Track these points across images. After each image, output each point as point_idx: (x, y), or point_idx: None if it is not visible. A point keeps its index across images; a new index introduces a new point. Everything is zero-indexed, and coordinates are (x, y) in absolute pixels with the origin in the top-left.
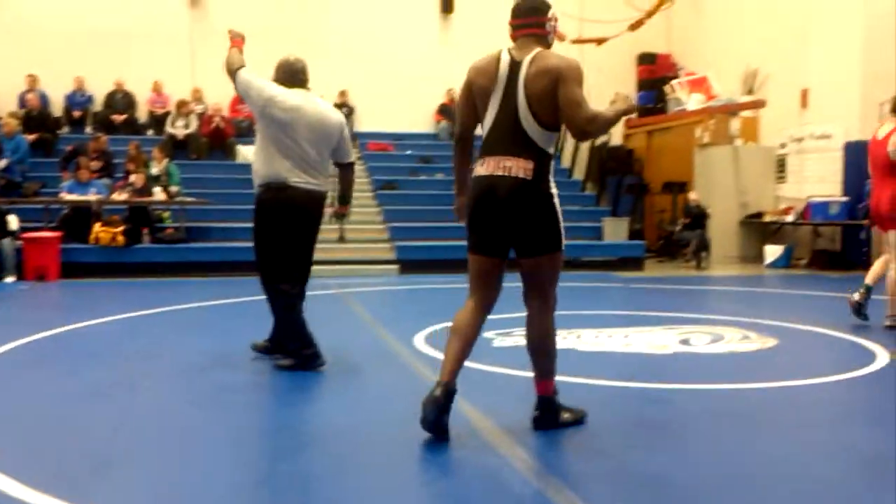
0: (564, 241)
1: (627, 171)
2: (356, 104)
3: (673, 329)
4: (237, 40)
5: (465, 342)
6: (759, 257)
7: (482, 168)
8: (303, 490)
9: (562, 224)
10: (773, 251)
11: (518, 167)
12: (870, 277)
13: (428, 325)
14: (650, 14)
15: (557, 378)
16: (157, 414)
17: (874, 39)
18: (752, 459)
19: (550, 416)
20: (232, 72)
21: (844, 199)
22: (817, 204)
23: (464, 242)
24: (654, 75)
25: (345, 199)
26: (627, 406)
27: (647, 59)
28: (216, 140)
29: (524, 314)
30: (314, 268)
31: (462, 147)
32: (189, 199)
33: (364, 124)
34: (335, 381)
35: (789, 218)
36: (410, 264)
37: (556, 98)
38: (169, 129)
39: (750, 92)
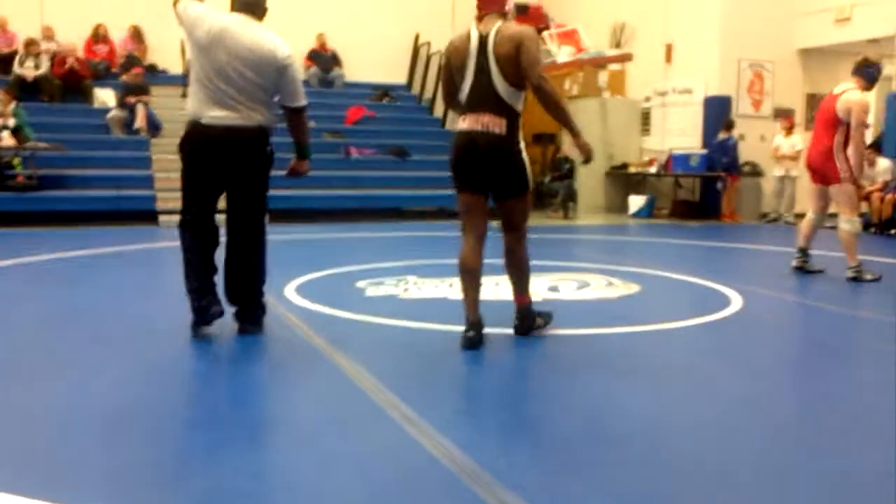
0: (531, 185)
1: None
2: None
3: (541, 277)
4: None
5: (477, 278)
6: (623, 207)
7: (464, 123)
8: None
9: (528, 170)
10: (636, 201)
11: (493, 124)
12: (803, 240)
13: (298, 275)
14: None
15: (421, 325)
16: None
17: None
18: (617, 400)
19: (528, 322)
20: (173, 6)
21: (703, 151)
22: (678, 156)
23: (332, 192)
24: None
25: (301, 152)
26: (497, 353)
27: (519, 10)
28: (71, 82)
29: (394, 263)
30: (171, 218)
31: (453, 107)
32: (42, 144)
33: None
34: (202, 334)
35: (652, 169)
36: (278, 214)
37: (517, 57)
38: (17, 69)
39: (617, 46)
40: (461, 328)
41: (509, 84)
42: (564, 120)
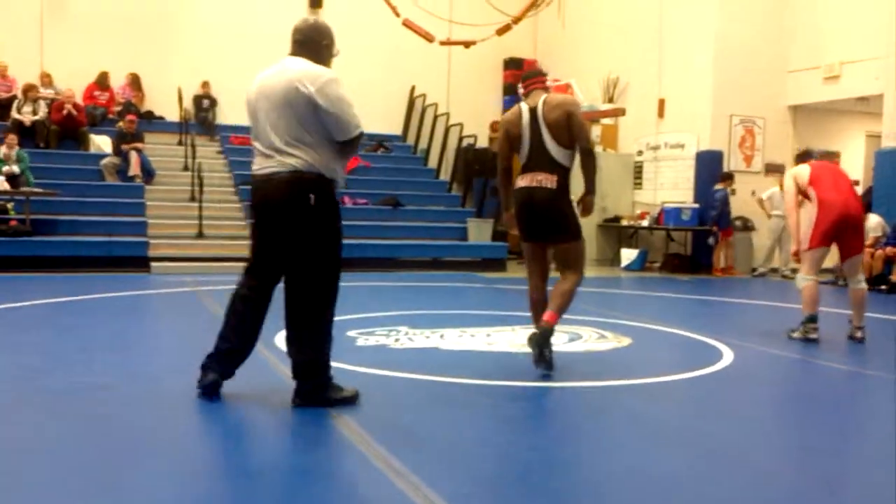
0: (581, 232)
1: (493, 174)
2: (219, 96)
3: (532, 329)
4: None
5: (544, 306)
6: (616, 260)
7: (522, 181)
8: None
9: (577, 219)
10: (628, 254)
11: (546, 180)
12: (815, 306)
13: None
14: (517, 20)
15: (412, 376)
16: None
17: (723, 57)
18: (607, 453)
19: (545, 340)
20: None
21: (695, 205)
22: (670, 209)
23: None
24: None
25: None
26: (489, 403)
27: (513, 65)
28: (68, 128)
29: (385, 313)
30: (171, 265)
31: (506, 175)
32: (36, 189)
33: (228, 117)
34: (190, 383)
35: (644, 222)
36: None
37: (568, 124)
38: (15, 114)
39: (610, 100)
40: (452, 379)
41: (560, 146)
42: (593, 179)
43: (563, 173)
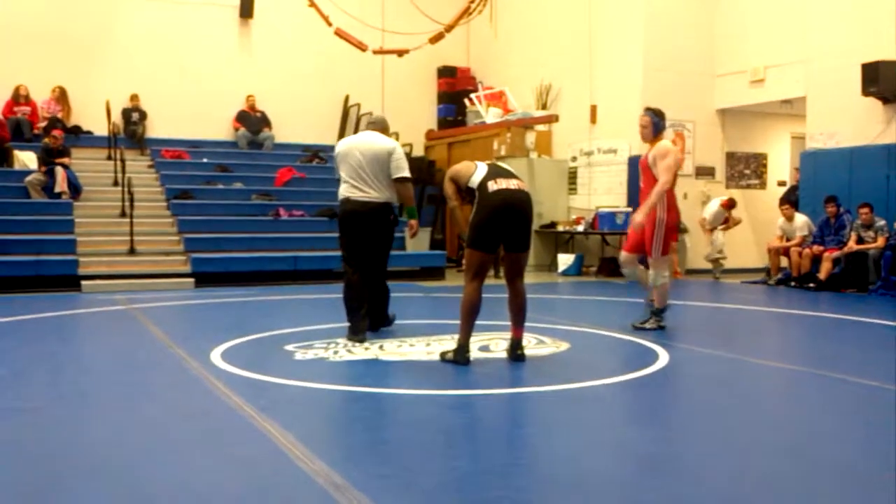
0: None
1: (429, 182)
2: (149, 109)
3: (472, 336)
4: None
5: (477, 315)
6: (552, 265)
7: (498, 185)
8: None
9: None
10: (565, 259)
11: (522, 185)
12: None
13: (225, 340)
14: (449, 28)
15: (353, 388)
16: None
17: (652, 63)
18: (548, 459)
19: (521, 351)
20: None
21: (629, 209)
22: (605, 214)
23: (260, 254)
24: (454, 88)
25: (408, 213)
26: (428, 414)
27: (447, 73)
28: None
29: (324, 326)
30: (103, 283)
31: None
32: None
33: (158, 130)
34: (122, 402)
35: (580, 228)
36: (207, 277)
37: None
38: None
39: (544, 107)
40: (392, 390)
41: None
42: None
43: None
